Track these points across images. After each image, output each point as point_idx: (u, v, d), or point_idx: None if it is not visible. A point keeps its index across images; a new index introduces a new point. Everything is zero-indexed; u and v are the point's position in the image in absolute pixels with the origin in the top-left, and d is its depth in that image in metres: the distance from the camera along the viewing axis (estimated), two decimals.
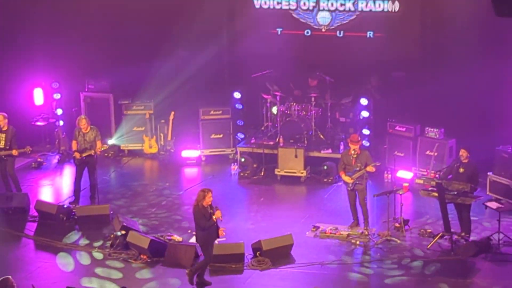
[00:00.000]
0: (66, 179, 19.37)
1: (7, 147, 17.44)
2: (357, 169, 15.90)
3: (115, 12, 21.05)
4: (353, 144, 16.07)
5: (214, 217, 13.65)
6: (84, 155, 17.24)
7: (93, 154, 17.24)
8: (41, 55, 21.10)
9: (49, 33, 21.00)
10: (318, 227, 16.22)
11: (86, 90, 21.42)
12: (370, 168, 15.94)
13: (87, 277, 14.37)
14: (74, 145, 17.44)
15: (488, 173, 17.64)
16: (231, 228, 15.61)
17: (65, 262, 15.02)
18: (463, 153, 15.54)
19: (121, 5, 20.98)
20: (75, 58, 21.23)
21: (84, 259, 15.10)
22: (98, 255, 15.21)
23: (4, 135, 17.44)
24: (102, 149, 17.81)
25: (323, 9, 20.66)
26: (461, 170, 15.55)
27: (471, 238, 15.48)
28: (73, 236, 16.06)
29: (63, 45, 21.02)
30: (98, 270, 14.61)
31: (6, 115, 17.59)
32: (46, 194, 18.52)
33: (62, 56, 21.16)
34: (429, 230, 15.93)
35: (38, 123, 21.40)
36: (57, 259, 15.15)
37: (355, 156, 16.00)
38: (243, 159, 19.71)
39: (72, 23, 21.01)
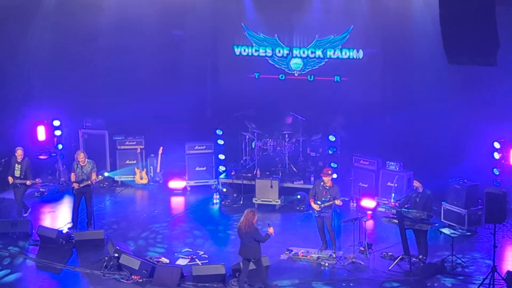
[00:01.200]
0: (65, 207, 19.14)
1: (22, 176, 17.61)
2: (326, 199, 15.81)
3: (109, 61, 21.03)
4: (324, 176, 15.98)
5: (270, 232, 13.97)
6: (81, 185, 17.10)
7: (89, 184, 17.11)
8: (44, 97, 21.05)
9: (51, 78, 20.97)
10: (291, 250, 16.09)
11: (84, 127, 21.34)
12: (338, 202, 15.81)
13: None
14: (73, 177, 17.33)
15: (442, 202, 17.64)
16: (213, 251, 15.50)
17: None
18: (416, 183, 15.58)
19: (116, 59, 20.96)
20: (74, 100, 21.18)
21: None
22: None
23: (20, 166, 17.65)
24: (98, 179, 17.71)
25: (296, 56, 20.69)
26: (418, 199, 15.54)
27: (428, 260, 15.42)
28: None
29: (63, 88, 20.95)
30: None
31: (22, 148, 17.79)
32: (47, 220, 18.27)
33: (63, 98, 21.08)
34: (390, 253, 15.81)
35: (41, 157, 21.22)
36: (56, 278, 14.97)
37: (326, 187, 15.90)
38: (224, 189, 19.64)
39: (71, 70, 20.93)
